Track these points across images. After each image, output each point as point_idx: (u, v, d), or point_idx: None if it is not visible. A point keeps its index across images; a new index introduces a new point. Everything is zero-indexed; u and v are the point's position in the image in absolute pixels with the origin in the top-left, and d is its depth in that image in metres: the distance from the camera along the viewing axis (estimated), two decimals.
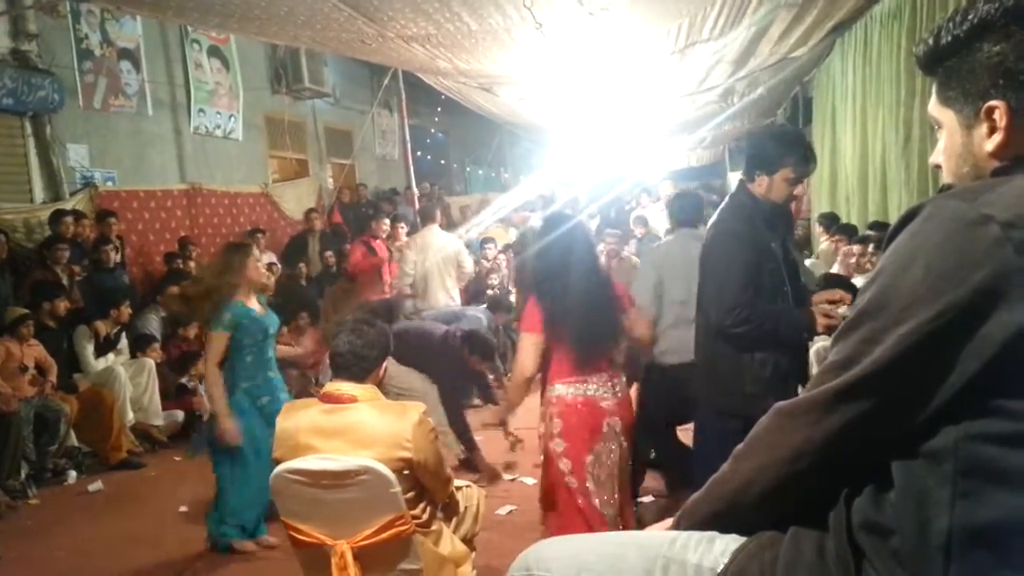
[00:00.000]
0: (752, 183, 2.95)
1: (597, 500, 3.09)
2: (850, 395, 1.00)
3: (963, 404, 0.93)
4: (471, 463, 5.00)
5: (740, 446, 1.18)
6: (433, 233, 7.55)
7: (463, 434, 4.97)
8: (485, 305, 8.21)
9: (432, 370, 5.08)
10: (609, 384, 3.15)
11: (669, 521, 1.32)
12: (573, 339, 3.09)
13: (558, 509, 3.16)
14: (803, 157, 2.90)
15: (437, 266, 7.39)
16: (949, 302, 0.92)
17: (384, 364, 2.68)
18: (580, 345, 3.10)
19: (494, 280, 9.04)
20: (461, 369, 5.11)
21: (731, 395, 2.97)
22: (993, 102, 1.05)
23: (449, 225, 9.33)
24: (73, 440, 5.81)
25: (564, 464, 3.09)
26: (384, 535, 2.38)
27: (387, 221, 8.34)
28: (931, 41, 1.12)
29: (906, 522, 0.97)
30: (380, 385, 2.68)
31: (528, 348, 3.14)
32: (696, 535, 1.21)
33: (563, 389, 3.12)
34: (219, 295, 3.85)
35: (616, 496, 3.15)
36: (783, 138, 2.98)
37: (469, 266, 7.56)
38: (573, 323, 3.09)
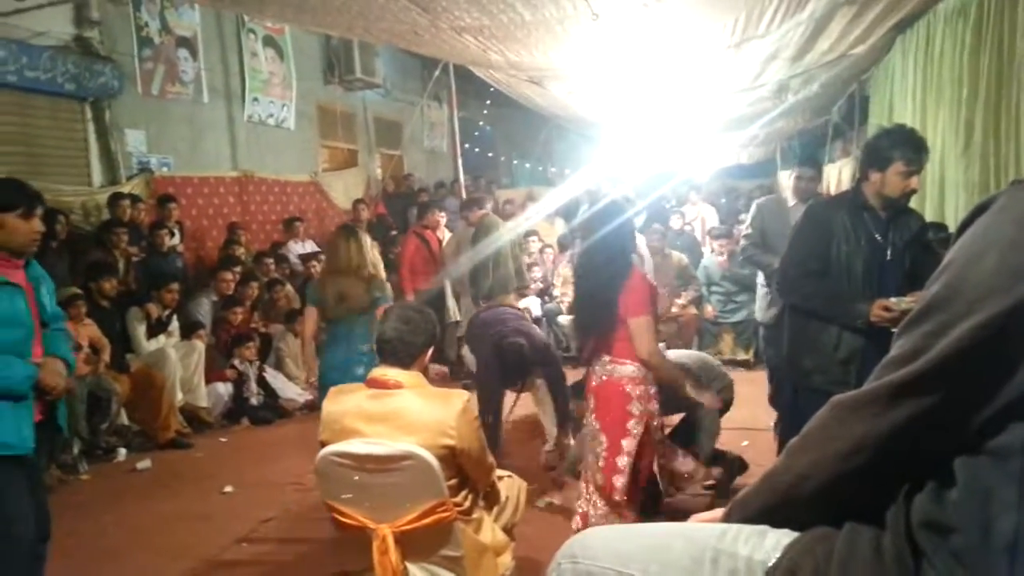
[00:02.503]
0: (866, 181, 3.16)
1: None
2: (914, 388, 0.97)
3: None
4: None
5: (795, 439, 1.15)
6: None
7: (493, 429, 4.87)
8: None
9: (478, 358, 5.08)
10: (600, 367, 3.41)
11: (718, 512, 1.30)
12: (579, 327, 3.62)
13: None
14: (914, 149, 3.05)
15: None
16: (1022, 295, 0.88)
17: (430, 351, 2.69)
18: (581, 334, 3.57)
19: (537, 273, 9.05)
20: (494, 370, 4.89)
21: (792, 364, 3.36)
22: None
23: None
24: (124, 419, 5.96)
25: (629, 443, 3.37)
26: (426, 521, 2.39)
27: (441, 212, 8.37)
28: None
29: (969, 521, 0.94)
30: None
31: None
32: (747, 528, 1.19)
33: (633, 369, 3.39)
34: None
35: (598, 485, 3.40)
36: (892, 134, 3.16)
37: None
38: (577, 312, 3.60)
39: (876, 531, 1.04)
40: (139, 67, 7.80)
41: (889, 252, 3.13)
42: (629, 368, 3.33)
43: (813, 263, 3.19)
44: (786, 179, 14.41)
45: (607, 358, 3.37)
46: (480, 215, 7.68)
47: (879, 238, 3.13)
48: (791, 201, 5.02)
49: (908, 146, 3.03)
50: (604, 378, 3.37)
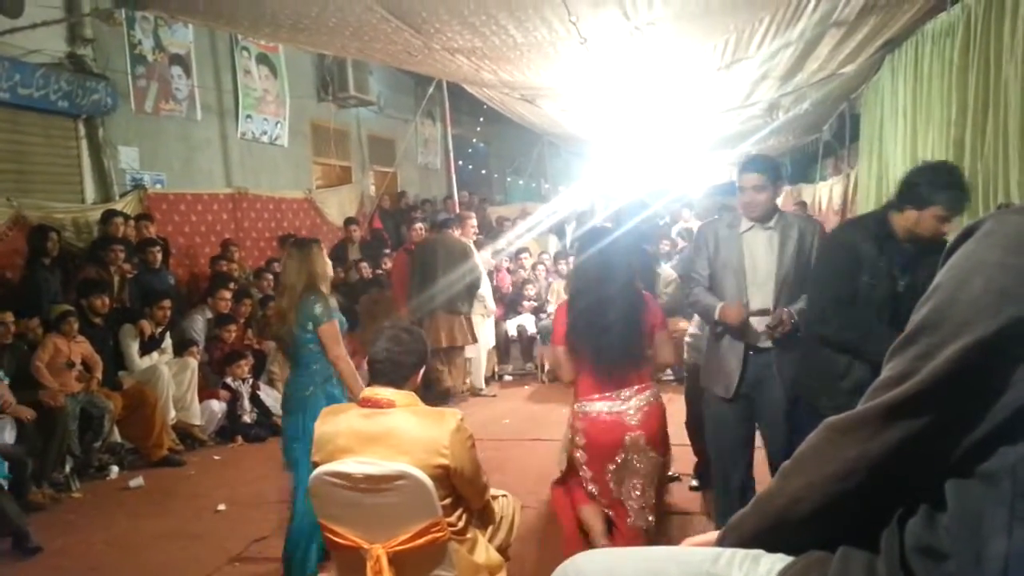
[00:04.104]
0: (897, 212, 3.04)
1: (630, 512, 3.29)
2: (904, 411, 0.98)
3: (1021, 424, 0.91)
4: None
5: (788, 462, 1.15)
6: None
7: None
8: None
9: None
10: (635, 399, 3.30)
11: (712, 536, 1.30)
12: (592, 357, 3.30)
13: (572, 505, 3.45)
14: (955, 197, 2.92)
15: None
16: (1009, 317, 0.90)
17: (421, 371, 2.70)
18: (599, 363, 3.29)
19: (531, 291, 9.05)
20: None
21: (801, 383, 3.28)
22: None
23: (487, 234, 9.42)
24: (116, 436, 5.93)
25: (585, 473, 3.35)
26: (420, 541, 2.38)
27: (419, 226, 8.41)
28: None
29: (961, 546, 0.94)
30: None
31: (559, 358, 3.47)
32: (741, 552, 1.19)
33: (588, 406, 3.32)
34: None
35: (652, 505, 3.33)
36: (938, 176, 2.98)
37: None
38: (591, 341, 3.28)
39: (870, 556, 1.04)
40: (132, 84, 7.82)
41: (906, 285, 3.02)
42: (656, 390, 3.40)
43: (844, 292, 3.06)
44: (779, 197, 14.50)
45: (637, 386, 3.32)
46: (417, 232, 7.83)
47: (902, 271, 3.03)
48: (743, 225, 3.54)
49: (952, 193, 2.90)
50: (645, 408, 3.32)
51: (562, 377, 3.52)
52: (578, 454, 3.36)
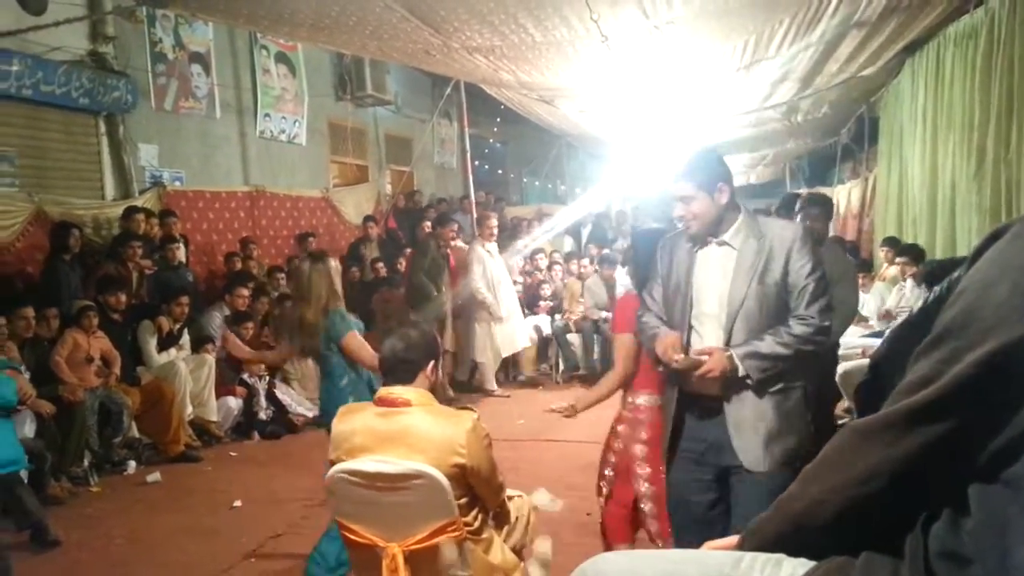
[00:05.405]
0: None
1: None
2: (927, 415, 0.97)
3: None
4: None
5: (810, 465, 1.14)
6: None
7: None
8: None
9: None
10: None
11: (733, 539, 1.29)
12: None
13: (616, 504, 3.28)
14: None
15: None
16: None
17: (431, 365, 2.67)
18: None
19: (546, 291, 9.05)
20: None
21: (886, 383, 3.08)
22: None
23: (504, 235, 9.41)
24: (134, 431, 5.98)
25: (642, 469, 3.15)
26: (436, 540, 2.39)
27: (455, 227, 8.33)
28: None
29: (986, 551, 0.94)
30: None
31: (625, 348, 3.18)
32: (762, 557, 1.18)
33: (652, 399, 3.13)
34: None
35: None
36: None
37: None
38: None
39: (894, 561, 1.03)
40: (153, 82, 7.87)
41: None
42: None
43: None
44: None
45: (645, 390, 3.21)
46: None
47: None
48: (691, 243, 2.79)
49: None
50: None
51: (624, 371, 3.19)
52: (637, 448, 3.15)
